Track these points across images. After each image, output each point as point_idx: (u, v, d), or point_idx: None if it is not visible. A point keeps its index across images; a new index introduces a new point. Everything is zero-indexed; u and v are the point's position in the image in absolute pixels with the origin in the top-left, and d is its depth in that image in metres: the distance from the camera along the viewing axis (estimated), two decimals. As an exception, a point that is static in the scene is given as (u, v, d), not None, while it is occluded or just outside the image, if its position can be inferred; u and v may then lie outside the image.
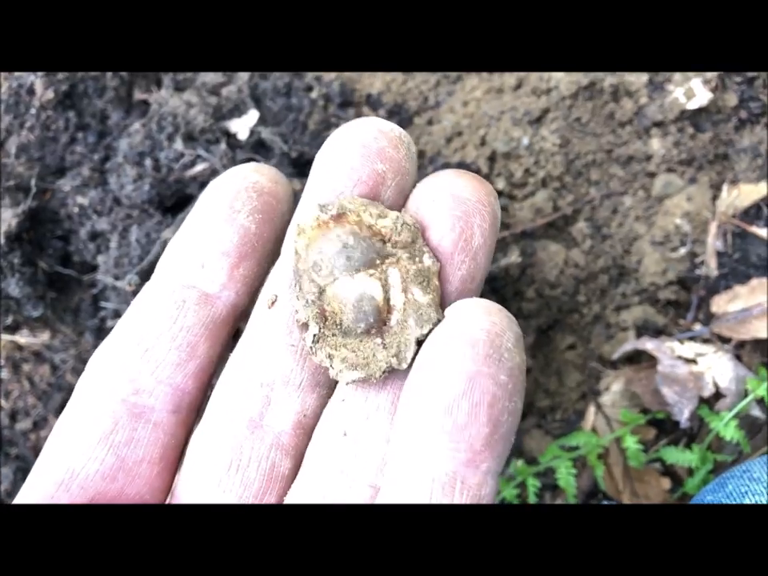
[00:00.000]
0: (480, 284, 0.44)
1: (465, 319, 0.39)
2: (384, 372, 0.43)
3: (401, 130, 0.45)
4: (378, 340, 0.44)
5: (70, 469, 0.43)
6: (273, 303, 0.46)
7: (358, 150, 0.44)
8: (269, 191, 0.48)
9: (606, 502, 0.96)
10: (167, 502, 0.46)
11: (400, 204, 0.45)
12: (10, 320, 1.00)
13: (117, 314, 0.94)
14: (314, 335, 0.44)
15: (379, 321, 0.44)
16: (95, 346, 0.99)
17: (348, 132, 0.44)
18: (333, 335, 0.44)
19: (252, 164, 0.49)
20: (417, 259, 0.43)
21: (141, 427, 0.44)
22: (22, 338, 1.02)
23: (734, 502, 0.73)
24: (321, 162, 0.45)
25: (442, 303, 0.43)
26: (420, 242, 0.43)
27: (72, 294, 0.97)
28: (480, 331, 0.38)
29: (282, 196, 0.49)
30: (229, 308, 0.47)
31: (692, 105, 1.00)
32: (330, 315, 0.44)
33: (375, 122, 0.45)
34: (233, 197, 0.47)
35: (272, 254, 0.48)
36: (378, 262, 0.44)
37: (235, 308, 0.48)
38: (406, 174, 0.45)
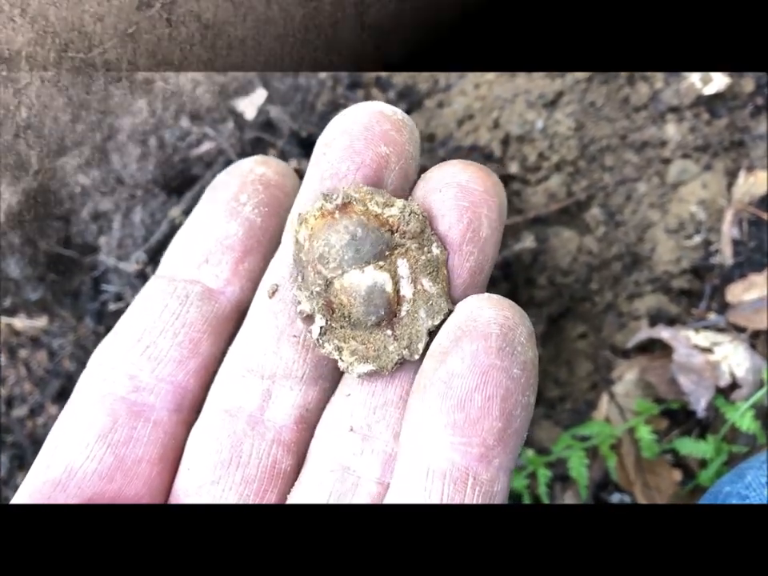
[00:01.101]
0: (487, 275, 0.43)
1: (478, 313, 0.39)
2: (396, 364, 0.42)
3: (403, 114, 0.44)
4: (389, 332, 0.43)
5: (67, 468, 0.41)
6: (273, 293, 0.45)
7: (360, 133, 0.42)
8: (275, 184, 0.47)
9: (617, 494, 0.95)
10: (166, 502, 0.45)
11: (404, 189, 0.44)
12: (8, 302, 0.97)
13: (118, 297, 0.91)
14: (321, 327, 0.43)
15: (389, 313, 0.43)
16: (95, 332, 0.97)
17: (350, 115, 0.43)
18: (341, 327, 0.43)
19: (258, 156, 0.48)
20: (426, 249, 0.42)
21: (140, 426, 0.43)
22: (20, 322, 1.00)
23: (753, 494, 0.72)
24: (322, 145, 0.44)
25: (450, 294, 0.42)
26: (428, 231, 0.42)
27: (72, 276, 0.94)
28: (493, 325, 0.38)
29: (289, 189, 0.48)
30: (233, 304, 0.46)
31: (708, 90, 0.98)
32: (338, 307, 0.43)
33: (377, 105, 0.43)
34: (238, 189, 0.46)
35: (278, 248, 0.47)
36: (386, 253, 0.42)
37: (239, 304, 0.46)
38: (410, 158, 0.44)
